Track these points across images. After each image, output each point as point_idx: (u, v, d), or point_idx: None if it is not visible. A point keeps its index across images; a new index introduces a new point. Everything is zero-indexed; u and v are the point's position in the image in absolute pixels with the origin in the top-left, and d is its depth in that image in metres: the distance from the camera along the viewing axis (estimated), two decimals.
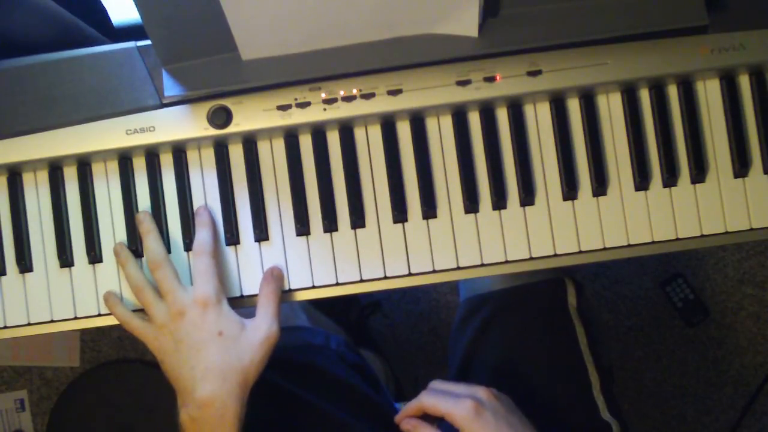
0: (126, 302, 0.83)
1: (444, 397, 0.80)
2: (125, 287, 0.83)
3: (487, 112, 0.84)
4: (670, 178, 0.84)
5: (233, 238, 0.84)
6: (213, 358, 0.76)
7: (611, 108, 0.85)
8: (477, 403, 0.79)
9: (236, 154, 0.84)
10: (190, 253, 0.84)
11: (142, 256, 0.83)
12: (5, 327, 0.84)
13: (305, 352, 0.98)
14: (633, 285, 1.67)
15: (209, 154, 0.85)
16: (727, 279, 1.66)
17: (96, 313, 0.84)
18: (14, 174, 0.85)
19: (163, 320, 0.78)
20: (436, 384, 0.83)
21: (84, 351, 1.67)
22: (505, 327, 0.99)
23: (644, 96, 0.85)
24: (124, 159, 0.84)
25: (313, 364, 0.97)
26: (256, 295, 0.83)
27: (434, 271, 0.84)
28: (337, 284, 0.84)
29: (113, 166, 0.85)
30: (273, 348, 0.79)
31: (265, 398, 0.79)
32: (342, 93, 0.81)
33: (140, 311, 0.82)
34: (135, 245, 0.83)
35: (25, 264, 0.84)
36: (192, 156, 0.85)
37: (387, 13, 0.77)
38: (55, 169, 0.85)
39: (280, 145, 0.84)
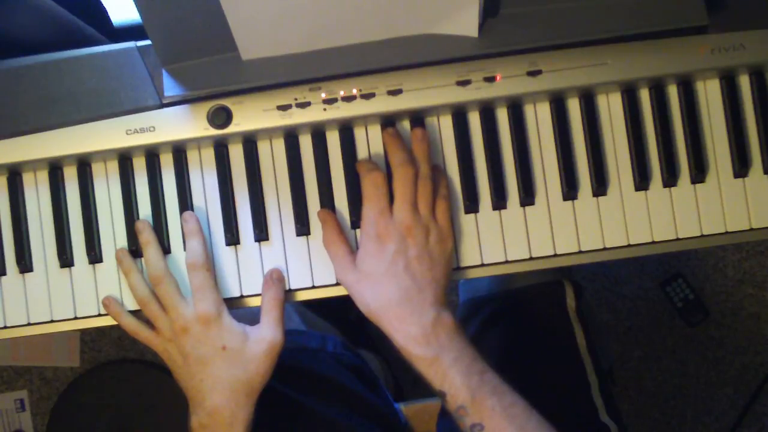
0: (126, 303, 0.83)
1: (403, 183, 0.78)
2: (126, 288, 0.83)
3: (487, 112, 0.84)
4: (670, 178, 0.84)
5: (233, 238, 0.84)
6: (219, 372, 0.77)
7: (611, 108, 0.85)
8: (388, 228, 0.77)
9: (236, 154, 0.84)
10: None
11: (143, 256, 0.83)
12: (5, 327, 0.84)
13: (300, 355, 0.99)
14: (633, 285, 1.67)
15: (209, 154, 0.85)
16: (727, 279, 1.66)
17: (96, 313, 0.84)
18: (14, 174, 0.85)
19: (170, 334, 0.79)
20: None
21: (84, 351, 1.67)
22: (504, 329, 0.99)
23: (644, 96, 0.85)
24: (124, 159, 0.84)
25: (309, 367, 0.97)
26: (256, 295, 0.83)
27: None
28: (338, 284, 0.84)
29: (113, 166, 0.85)
30: (278, 355, 0.79)
31: (260, 402, 0.79)
32: (342, 93, 0.81)
33: (139, 311, 0.82)
34: (135, 245, 0.84)
35: (25, 264, 0.84)
36: (192, 156, 0.85)
37: (387, 13, 0.77)
38: (55, 169, 0.85)
39: (280, 145, 0.84)
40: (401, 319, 0.75)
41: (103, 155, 0.84)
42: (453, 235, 0.80)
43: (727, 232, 0.84)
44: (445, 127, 0.85)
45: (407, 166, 0.79)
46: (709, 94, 0.85)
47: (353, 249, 0.81)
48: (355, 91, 0.81)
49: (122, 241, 0.84)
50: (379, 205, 0.78)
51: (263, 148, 0.85)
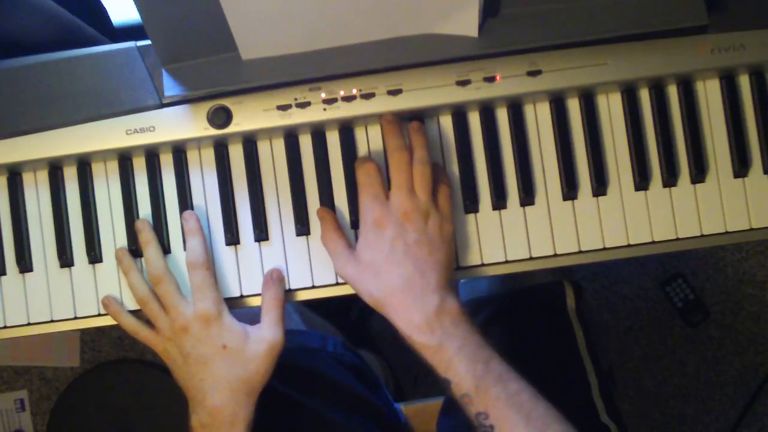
0: (126, 303, 0.83)
1: (398, 169, 0.78)
2: (125, 288, 0.83)
3: (487, 112, 0.84)
4: (670, 178, 0.84)
5: (233, 238, 0.84)
6: (219, 371, 0.77)
7: (611, 108, 0.85)
8: (385, 214, 0.77)
9: (236, 154, 0.84)
10: None
11: (142, 255, 0.83)
12: (5, 327, 0.84)
13: (300, 355, 0.99)
14: (633, 285, 1.67)
15: (209, 154, 0.85)
16: (727, 279, 1.66)
17: (96, 313, 0.84)
18: (14, 174, 0.85)
19: (170, 334, 0.79)
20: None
21: (84, 351, 1.67)
22: (504, 330, 0.98)
23: (644, 96, 0.85)
24: (124, 159, 0.84)
25: (309, 367, 0.97)
26: (256, 295, 0.83)
27: None
28: (338, 284, 0.84)
29: (113, 166, 0.85)
30: (279, 355, 0.79)
31: (260, 402, 0.79)
32: (342, 93, 0.81)
33: (139, 311, 0.82)
34: (135, 245, 0.84)
35: (25, 264, 0.84)
36: (192, 156, 0.85)
37: (387, 13, 0.77)
38: (55, 169, 0.85)
39: (280, 145, 0.84)
40: (404, 306, 0.75)
41: (103, 155, 0.84)
42: (453, 219, 0.80)
43: (727, 232, 0.84)
44: (445, 127, 0.85)
45: (401, 151, 0.79)
46: (709, 94, 0.85)
47: (352, 245, 0.81)
48: (355, 91, 0.81)
49: (122, 241, 0.84)
50: (374, 192, 0.78)
51: (263, 148, 0.85)
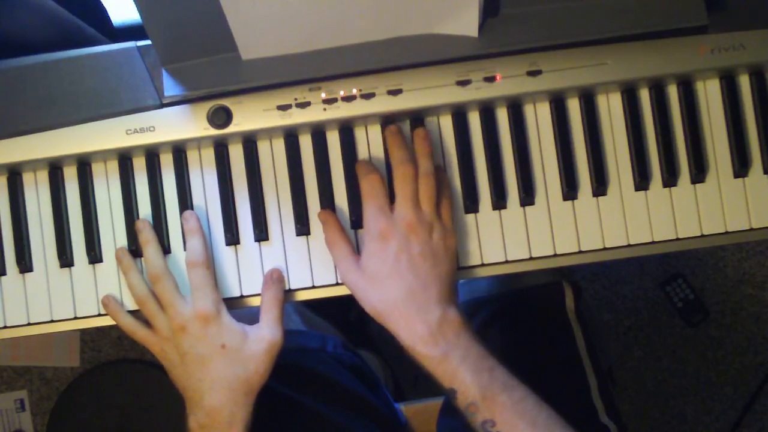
0: (125, 303, 0.83)
1: (402, 180, 0.78)
2: (125, 288, 0.83)
3: (487, 112, 0.84)
4: (670, 178, 0.84)
5: (233, 238, 0.84)
6: (218, 370, 0.77)
7: (611, 108, 0.85)
8: (390, 226, 0.77)
9: (236, 154, 0.84)
10: None
11: (142, 255, 0.83)
12: (5, 327, 0.84)
13: (300, 355, 0.98)
14: (633, 285, 1.67)
15: (209, 154, 0.85)
16: (727, 279, 1.66)
17: (96, 313, 0.84)
18: (14, 174, 0.85)
19: (167, 333, 0.79)
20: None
21: (84, 351, 1.67)
22: (504, 330, 0.98)
23: (644, 96, 0.85)
24: (124, 159, 0.84)
25: (309, 367, 0.97)
26: (255, 295, 0.83)
27: None
28: (338, 284, 0.84)
29: (113, 166, 0.85)
30: (278, 355, 0.79)
31: (259, 402, 0.79)
32: (342, 93, 0.81)
33: (139, 311, 0.82)
34: (135, 245, 0.84)
35: (25, 264, 0.84)
36: (192, 156, 0.85)
37: (387, 13, 0.77)
38: (55, 169, 0.85)
39: (280, 145, 0.85)
40: (407, 318, 0.75)
41: (103, 155, 0.84)
42: (456, 233, 0.80)
43: (727, 232, 0.84)
44: (445, 127, 0.85)
45: (407, 164, 0.79)
46: (709, 94, 0.85)
47: (354, 247, 0.81)
48: (355, 91, 0.81)
49: (122, 241, 0.84)
50: (378, 204, 0.78)
51: (263, 148, 0.85)
